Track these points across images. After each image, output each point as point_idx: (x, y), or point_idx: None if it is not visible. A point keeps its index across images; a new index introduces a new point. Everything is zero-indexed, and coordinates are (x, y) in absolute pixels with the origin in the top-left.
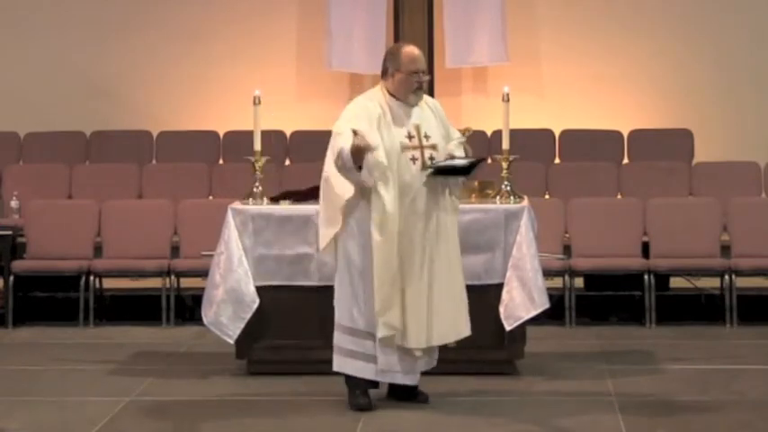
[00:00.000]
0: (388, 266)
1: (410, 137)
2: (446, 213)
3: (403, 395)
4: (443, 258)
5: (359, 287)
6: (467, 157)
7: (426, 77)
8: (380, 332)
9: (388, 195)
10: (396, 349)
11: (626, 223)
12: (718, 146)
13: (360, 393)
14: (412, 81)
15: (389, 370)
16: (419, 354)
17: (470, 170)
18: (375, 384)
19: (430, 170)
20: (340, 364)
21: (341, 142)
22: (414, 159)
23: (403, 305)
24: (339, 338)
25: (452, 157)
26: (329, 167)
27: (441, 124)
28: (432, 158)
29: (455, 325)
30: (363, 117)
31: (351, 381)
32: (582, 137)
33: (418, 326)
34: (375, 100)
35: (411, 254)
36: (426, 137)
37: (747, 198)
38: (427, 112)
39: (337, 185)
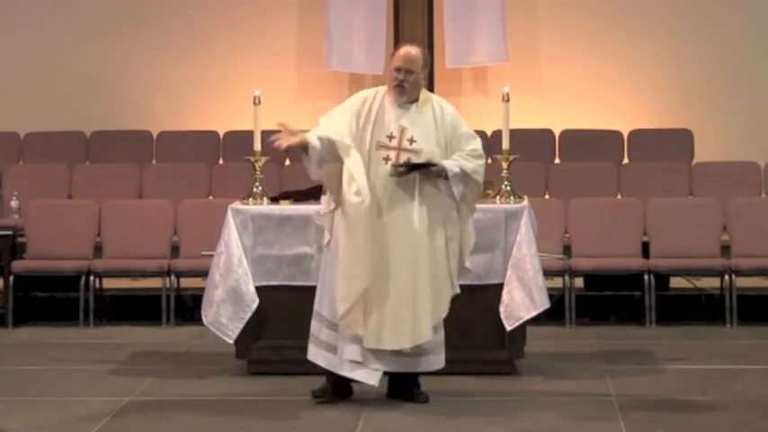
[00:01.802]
0: (354, 256)
1: (390, 137)
2: (434, 219)
3: (401, 393)
4: (408, 262)
5: (328, 275)
6: (460, 170)
7: (410, 77)
8: (341, 326)
9: (357, 178)
10: (356, 344)
11: (626, 223)
12: (718, 146)
13: (327, 385)
14: (392, 77)
15: (355, 359)
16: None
17: (421, 168)
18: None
19: (400, 169)
20: (310, 352)
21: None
22: (386, 159)
23: (365, 304)
24: (312, 325)
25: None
26: None
27: (442, 132)
28: (430, 161)
29: (407, 332)
30: (349, 108)
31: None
32: (582, 137)
33: (376, 327)
34: (375, 93)
35: (377, 253)
36: (411, 141)
37: (747, 198)
38: (426, 117)
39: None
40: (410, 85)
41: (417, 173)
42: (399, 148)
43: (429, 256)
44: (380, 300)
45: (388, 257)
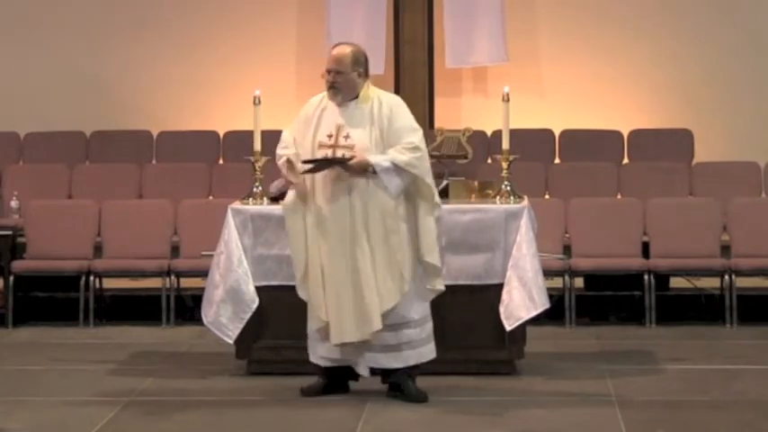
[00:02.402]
0: (294, 254)
1: (329, 135)
2: (372, 213)
3: (395, 390)
4: (348, 257)
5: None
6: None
7: (339, 77)
8: (315, 324)
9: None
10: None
11: (626, 223)
12: (718, 146)
13: (318, 381)
14: (326, 79)
15: (331, 357)
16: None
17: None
18: (344, 378)
19: (308, 166)
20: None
21: (280, 150)
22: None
23: (325, 301)
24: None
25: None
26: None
27: (377, 126)
28: (351, 158)
29: (356, 325)
30: (301, 118)
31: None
32: (582, 137)
33: (336, 321)
34: (319, 99)
35: (327, 245)
36: (346, 137)
37: (747, 198)
38: (363, 113)
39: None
40: (341, 84)
41: (336, 168)
42: (335, 146)
43: (370, 250)
44: (328, 296)
45: (330, 253)
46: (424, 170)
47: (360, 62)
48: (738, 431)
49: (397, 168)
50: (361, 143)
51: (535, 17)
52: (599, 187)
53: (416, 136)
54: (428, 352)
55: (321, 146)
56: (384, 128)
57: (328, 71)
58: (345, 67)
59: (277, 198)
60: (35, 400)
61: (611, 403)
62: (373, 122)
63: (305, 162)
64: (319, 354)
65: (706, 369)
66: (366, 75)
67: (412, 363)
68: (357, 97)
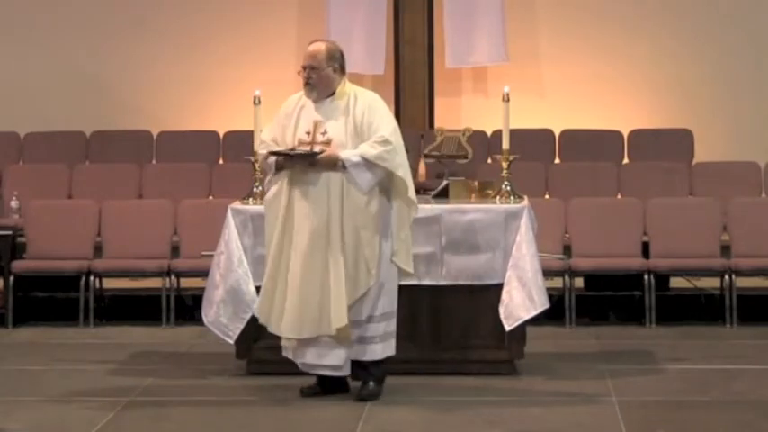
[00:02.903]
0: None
1: (308, 132)
2: (346, 209)
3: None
4: (317, 251)
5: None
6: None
7: (314, 73)
8: (259, 318)
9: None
10: (305, 341)
11: (626, 223)
12: (718, 146)
13: (316, 383)
14: (303, 76)
15: (309, 362)
16: (292, 344)
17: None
18: (340, 378)
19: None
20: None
21: (264, 149)
22: None
23: (273, 293)
24: None
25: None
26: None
27: (351, 120)
28: (321, 153)
29: (319, 320)
30: (276, 121)
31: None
32: (582, 137)
33: (288, 314)
34: (298, 98)
35: (295, 238)
36: (324, 133)
37: (747, 198)
38: (338, 108)
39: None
40: (316, 81)
41: (308, 161)
42: (313, 142)
43: (341, 246)
44: (291, 288)
45: (300, 248)
46: (396, 164)
47: (335, 58)
48: (738, 431)
49: (367, 163)
50: (337, 138)
51: (535, 17)
52: (599, 187)
53: (387, 129)
54: (391, 348)
55: (301, 143)
56: (358, 123)
57: (303, 68)
58: (320, 62)
59: None
60: (35, 400)
61: (611, 403)
62: (348, 117)
63: (273, 153)
64: (301, 360)
65: (706, 369)
66: (342, 71)
67: (377, 357)
68: (333, 94)
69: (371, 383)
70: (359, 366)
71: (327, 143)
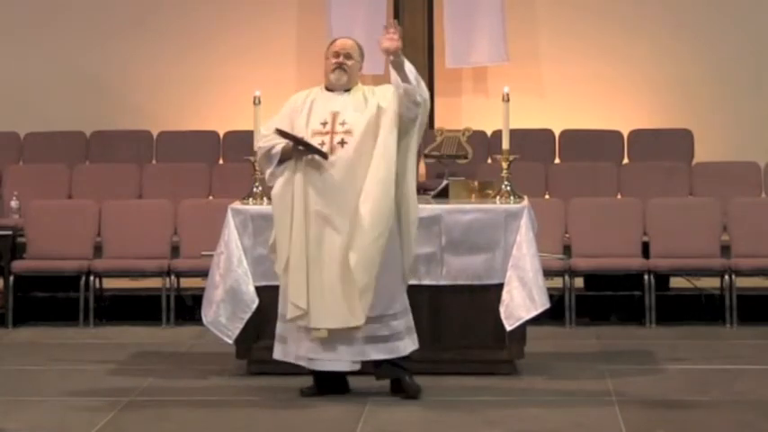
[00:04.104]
0: (280, 242)
1: (324, 123)
2: (366, 197)
3: (394, 387)
4: (341, 241)
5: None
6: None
7: (349, 60)
8: (289, 313)
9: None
10: (309, 334)
11: (626, 223)
12: (718, 146)
13: (313, 385)
14: (331, 63)
15: (314, 357)
16: (323, 335)
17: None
18: (339, 377)
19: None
20: (276, 351)
21: (266, 142)
22: (321, 144)
23: (307, 286)
24: (277, 326)
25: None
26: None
27: (372, 102)
28: (342, 142)
29: (344, 312)
30: (285, 113)
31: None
32: (582, 137)
33: (322, 306)
34: (306, 93)
35: (317, 231)
36: (342, 123)
37: (747, 198)
38: (358, 102)
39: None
40: (349, 68)
41: (321, 156)
42: (332, 132)
43: (368, 234)
44: (312, 283)
45: (319, 239)
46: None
47: (362, 54)
48: (738, 431)
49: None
50: (357, 126)
51: (535, 17)
52: (599, 187)
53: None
54: (412, 343)
55: (315, 133)
56: (379, 98)
57: (337, 54)
58: (355, 53)
59: None
60: (35, 400)
61: (611, 403)
62: (367, 103)
63: (286, 136)
64: (299, 353)
65: (706, 369)
66: (360, 70)
67: (400, 354)
68: (349, 90)
69: (408, 379)
70: (391, 364)
71: (348, 132)
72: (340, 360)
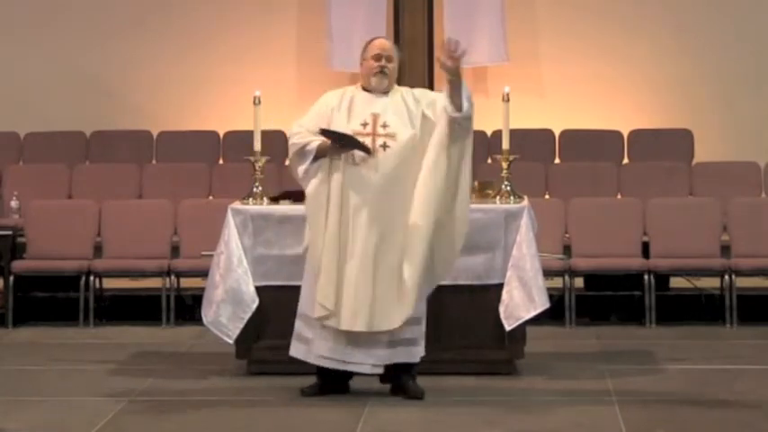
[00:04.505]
0: (315, 241)
1: (364, 124)
2: (407, 198)
3: (395, 388)
4: (391, 241)
5: (306, 277)
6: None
7: (390, 64)
8: (315, 312)
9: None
10: (342, 336)
11: (626, 223)
12: (718, 146)
13: (315, 384)
14: (373, 65)
15: (337, 358)
16: (367, 338)
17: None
18: (343, 378)
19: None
20: (293, 348)
21: (299, 139)
22: None
23: (338, 285)
24: (296, 324)
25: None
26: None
27: (413, 107)
28: (385, 146)
29: (390, 314)
30: (317, 111)
31: (317, 370)
32: (582, 137)
33: (353, 308)
34: (343, 92)
35: (354, 232)
36: (384, 126)
37: (747, 198)
38: (397, 104)
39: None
40: (390, 71)
41: (365, 152)
42: (374, 134)
43: (413, 234)
44: (356, 281)
45: (368, 240)
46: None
47: (399, 55)
48: (738, 431)
49: (469, 99)
50: (401, 132)
51: (535, 17)
52: (599, 187)
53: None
54: (423, 348)
55: (355, 134)
56: (420, 104)
57: (378, 57)
58: (394, 54)
59: (277, 198)
60: (35, 400)
61: (611, 403)
62: (408, 106)
63: (324, 131)
64: (321, 353)
65: (706, 369)
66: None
67: (416, 358)
68: (387, 92)
69: (411, 383)
70: (401, 369)
71: (391, 136)
72: (363, 363)
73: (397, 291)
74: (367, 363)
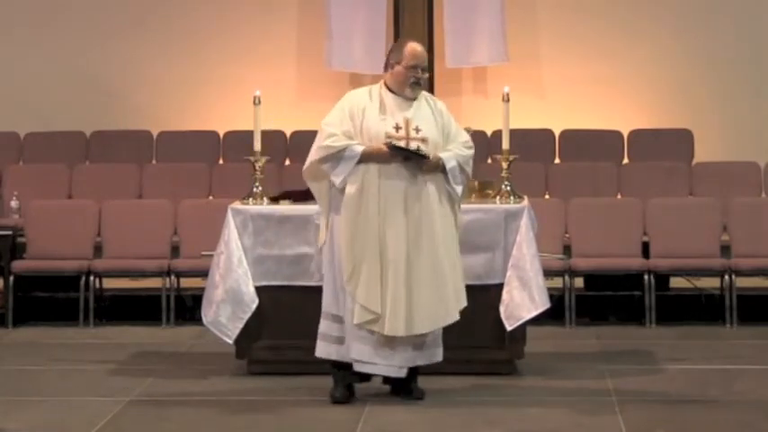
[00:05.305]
0: (353, 246)
1: (397, 128)
2: (437, 201)
3: (397, 389)
4: (427, 244)
5: (338, 272)
6: (459, 169)
7: (425, 75)
8: (357, 318)
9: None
10: (372, 338)
11: (626, 223)
12: (718, 146)
13: (340, 386)
14: (409, 75)
15: (366, 361)
16: (398, 341)
17: (414, 156)
18: (363, 378)
19: (392, 144)
20: (320, 349)
21: (335, 142)
22: None
23: (382, 290)
24: (322, 325)
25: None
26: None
27: (440, 125)
28: (418, 149)
29: (434, 315)
30: (347, 111)
31: (335, 373)
32: (582, 137)
33: (396, 312)
34: (369, 91)
35: (391, 237)
36: (417, 130)
37: (747, 198)
38: (425, 110)
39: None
40: (424, 82)
41: (411, 160)
42: (408, 138)
43: (445, 237)
44: (396, 285)
45: (406, 240)
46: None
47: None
48: (738, 431)
49: (460, 168)
50: (432, 136)
51: (535, 17)
52: (599, 187)
53: (466, 136)
54: (439, 354)
55: (389, 137)
56: (446, 124)
57: (415, 67)
58: (427, 65)
59: (277, 198)
60: (35, 400)
61: (611, 403)
62: (436, 118)
63: (389, 145)
64: (353, 356)
65: (706, 369)
66: None
67: (436, 360)
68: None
69: (412, 383)
70: (411, 370)
71: (424, 140)
72: (391, 365)
73: (436, 291)
74: (394, 365)
